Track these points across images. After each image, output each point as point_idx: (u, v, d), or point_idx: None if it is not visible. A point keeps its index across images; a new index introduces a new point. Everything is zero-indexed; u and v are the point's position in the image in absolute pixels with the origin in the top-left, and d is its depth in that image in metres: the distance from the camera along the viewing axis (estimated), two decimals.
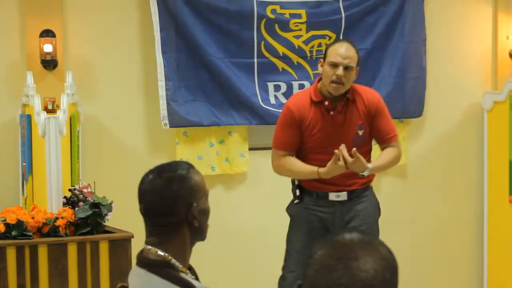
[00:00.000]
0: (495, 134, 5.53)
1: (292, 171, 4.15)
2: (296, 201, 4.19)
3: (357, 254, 1.40)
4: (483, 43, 5.72)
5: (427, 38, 5.52)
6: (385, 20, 5.40)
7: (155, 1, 5.03)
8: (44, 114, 4.18)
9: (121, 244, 4.04)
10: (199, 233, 2.27)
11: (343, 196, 4.13)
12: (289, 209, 4.24)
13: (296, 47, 5.30)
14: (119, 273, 3.96)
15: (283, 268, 4.25)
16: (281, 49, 5.27)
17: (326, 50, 4.12)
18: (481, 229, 5.70)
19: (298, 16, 5.27)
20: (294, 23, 5.27)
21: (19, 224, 3.96)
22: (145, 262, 2.22)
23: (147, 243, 2.25)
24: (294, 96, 4.38)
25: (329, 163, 3.95)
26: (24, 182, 4.61)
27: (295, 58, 5.31)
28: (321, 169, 3.99)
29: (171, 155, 5.17)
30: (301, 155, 4.15)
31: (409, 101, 5.50)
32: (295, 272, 4.15)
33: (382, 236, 1.50)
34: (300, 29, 5.29)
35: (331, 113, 4.07)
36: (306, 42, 5.31)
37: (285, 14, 5.26)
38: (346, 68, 3.99)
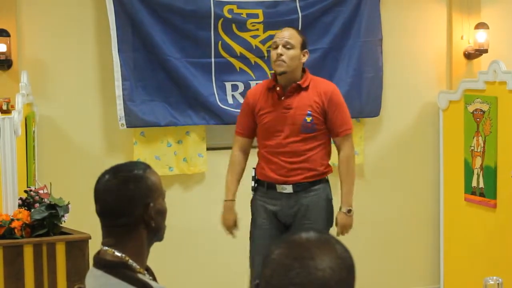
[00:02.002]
0: (450, 133, 5.60)
1: (228, 167, 4.35)
2: (252, 192, 4.29)
3: (313, 253, 1.41)
4: (438, 43, 5.79)
5: (383, 38, 5.56)
6: (341, 20, 5.43)
7: (111, 1, 5.00)
8: None
9: (78, 246, 4.00)
10: (156, 233, 2.26)
11: (288, 188, 4.17)
12: (250, 203, 4.33)
13: (253, 47, 5.31)
14: (76, 274, 3.92)
15: (250, 264, 4.31)
16: (238, 49, 5.28)
17: None
18: (438, 228, 5.76)
19: (255, 16, 5.28)
20: (251, 23, 5.27)
21: None
22: (102, 263, 2.21)
23: (103, 244, 2.23)
24: (256, 85, 4.55)
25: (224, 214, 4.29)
26: None
27: (252, 57, 5.32)
28: (226, 204, 4.28)
29: (128, 156, 5.14)
30: (258, 143, 4.28)
31: (366, 101, 5.54)
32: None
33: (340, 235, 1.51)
34: (257, 29, 5.30)
35: (282, 98, 4.15)
36: (263, 42, 5.32)
37: (242, 14, 5.26)
38: (285, 46, 4.10)
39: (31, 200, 4.10)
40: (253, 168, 4.31)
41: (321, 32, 5.42)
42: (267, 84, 4.27)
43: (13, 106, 4.50)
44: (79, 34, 5.13)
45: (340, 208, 4.27)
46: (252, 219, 4.31)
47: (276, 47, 4.13)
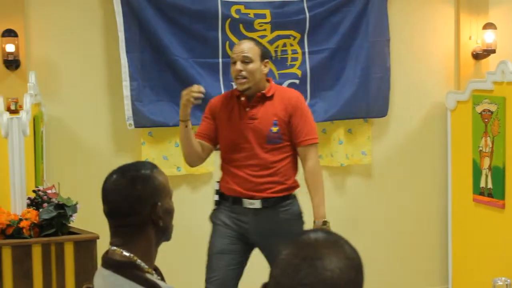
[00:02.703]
0: (458, 133, 5.59)
1: (180, 143, 4.10)
2: (215, 206, 4.08)
3: (322, 254, 1.41)
4: (446, 43, 5.78)
5: (391, 38, 5.56)
6: (349, 20, 5.43)
7: (118, 1, 5.01)
8: (6, 115, 4.13)
9: (86, 245, 4.01)
10: (164, 233, 2.27)
11: (256, 204, 3.96)
12: (210, 216, 4.12)
13: None
14: (85, 274, 3.93)
15: (206, 280, 4.10)
16: None
17: None
18: (446, 228, 5.75)
19: (263, 16, 5.28)
20: (259, 23, 5.28)
21: None
22: (110, 263, 2.21)
23: (112, 244, 2.24)
24: (218, 95, 4.32)
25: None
26: None
27: None
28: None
29: (136, 156, 5.15)
30: (221, 156, 4.09)
31: (374, 101, 5.53)
32: (216, 279, 4.04)
33: (347, 235, 1.51)
34: (265, 29, 5.30)
35: (247, 109, 3.99)
36: (271, 42, 5.32)
37: (249, 14, 5.26)
38: (244, 61, 3.93)
39: (40, 200, 4.11)
40: (217, 181, 4.13)
41: (329, 32, 5.41)
42: (231, 94, 4.11)
43: (21, 106, 4.52)
44: (87, 34, 5.14)
45: (314, 222, 3.96)
46: (211, 239, 4.07)
47: (235, 63, 3.96)
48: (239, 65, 3.93)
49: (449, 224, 5.72)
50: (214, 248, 4.06)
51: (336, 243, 1.45)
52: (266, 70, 4.01)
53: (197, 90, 3.91)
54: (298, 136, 3.99)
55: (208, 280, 4.07)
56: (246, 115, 3.98)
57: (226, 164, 4.05)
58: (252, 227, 3.98)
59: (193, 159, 4.08)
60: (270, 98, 4.00)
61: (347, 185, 5.67)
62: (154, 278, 2.22)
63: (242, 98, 3.99)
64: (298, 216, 4.04)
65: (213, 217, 4.09)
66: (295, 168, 4.07)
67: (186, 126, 3.95)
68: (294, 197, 4.07)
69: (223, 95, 4.21)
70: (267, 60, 4.03)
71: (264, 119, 3.97)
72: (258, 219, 3.98)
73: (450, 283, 5.74)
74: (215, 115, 4.06)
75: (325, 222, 3.94)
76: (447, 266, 5.76)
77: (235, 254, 4.03)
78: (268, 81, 4.06)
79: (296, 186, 4.07)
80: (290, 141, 4.01)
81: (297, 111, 4.00)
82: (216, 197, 4.07)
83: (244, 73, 3.93)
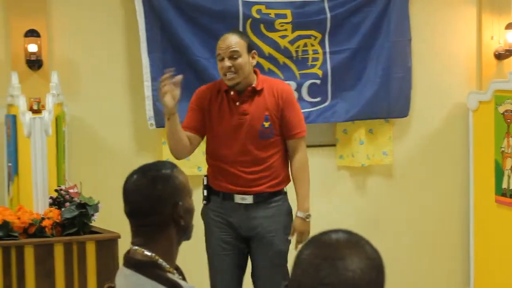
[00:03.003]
0: (480, 134, 5.56)
1: (167, 136, 3.98)
2: (204, 202, 4.01)
3: (344, 254, 1.41)
4: (468, 43, 5.75)
5: (412, 38, 5.54)
6: (370, 20, 5.41)
7: (140, 1, 5.03)
8: (29, 115, 4.16)
9: (107, 245, 4.03)
10: (185, 232, 2.27)
11: (249, 199, 3.93)
12: (201, 213, 4.06)
13: (282, 47, 5.30)
14: (106, 273, 3.94)
15: (212, 285, 4.11)
16: (267, 49, 5.27)
17: None
18: (467, 229, 5.72)
19: (284, 16, 5.28)
20: (280, 23, 5.27)
21: (5, 225, 3.94)
22: (131, 262, 2.22)
23: (133, 243, 2.25)
24: (207, 84, 4.19)
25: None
26: (10, 182, 4.59)
27: (281, 58, 5.32)
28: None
29: (157, 155, 5.16)
30: (208, 151, 4.04)
31: (395, 101, 5.51)
32: (221, 281, 4.05)
33: (368, 235, 1.51)
34: (286, 29, 5.29)
35: (237, 103, 3.93)
36: (292, 42, 5.32)
37: (270, 14, 5.26)
38: (232, 56, 3.88)
39: (62, 199, 4.14)
40: (204, 176, 4.07)
41: (350, 32, 5.40)
42: (217, 86, 4.00)
43: (43, 106, 4.55)
44: (109, 34, 5.17)
45: (297, 214, 3.98)
46: (206, 238, 4.05)
47: (222, 59, 3.88)
48: (227, 62, 3.87)
49: (471, 225, 5.69)
50: (212, 250, 4.05)
51: (357, 243, 1.45)
52: (254, 61, 3.97)
53: (166, 77, 3.75)
54: (290, 129, 3.97)
55: (214, 284, 4.08)
56: (237, 110, 3.93)
57: (214, 160, 3.99)
58: (242, 221, 3.96)
59: (181, 153, 3.99)
60: (260, 91, 3.95)
61: (368, 186, 5.65)
62: (176, 277, 2.23)
63: (232, 93, 3.94)
64: (288, 211, 4.03)
65: (205, 216, 4.04)
66: (286, 162, 4.04)
67: (168, 119, 3.81)
68: (285, 193, 4.04)
69: (210, 86, 4.07)
70: (254, 51, 3.99)
71: (256, 114, 3.92)
72: (248, 214, 3.96)
73: (471, 284, 5.71)
74: (204, 107, 3.98)
75: (308, 216, 3.97)
76: (469, 267, 5.72)
77: (234, 252, 4.02)
78: (255, 72, 4.01)
79: (288, 180, 4.05)
80: (281, 135, 3.97)
81: (289, 105, 3.97)
82: (204, 193, 4.01)
83: (233, 69, 3.87)
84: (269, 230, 3.97)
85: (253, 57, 3.96)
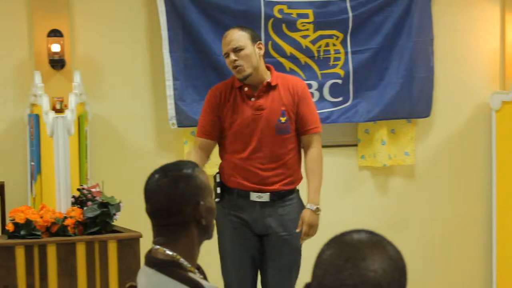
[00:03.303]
0: (503, 134, 5.52)
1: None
2: (217, 199, 3.95)
3: (365, 254, 1.40)
4: (491, 42, 5.71)
5: (435, 38, 5.51)
6: (392, 19, 5.39)
7: (162, 1, 5.04)
8: (52, 114, 4.19)
9: (129, 244, 4.05)
10: (207, 231, 2.28)
11: (265, 197, 3.91)
12: None
13: (304, 47, 5.30)
14: (128, 272, 3.96)
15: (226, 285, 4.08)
16: (288, 49, 5.27)
17: None
18: (490, 230, 5.69)
19: (305, 16, 5.27)
20: (301, 23, 5.27)
21: (28, 224, 3.97)
22: (153, 261, 2.23)
23: (155, 242, 2.25)
24: (218, 83, 4.22)
25: None
26: (33, 181, 4.62)
27: (302, 58, 5.31)
28: None
29: (179, 155, 5.17)
30: (223, 148, 4.03)
31: (417, 101, 5.49)
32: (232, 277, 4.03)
33: (390, 236, 1.50)
34: (308, 29, 5.29)
35: (252, 99, 3.94)
36: (314, 42, 5.31)
37: (292, 14, 5.26)
38: (235, 50, 3.89)
39: (84, 198, 4.16)
40: (217, 173, 4.04)
41: (372, 32, 5.38)
42: (230, 84, 4.01)
43: (66, 106, 4.57)
44: (131, 34, 5.19)
45: (306, 205, 3.94)
46: (219, 237, 4.01)
47: (228, 56, 3.92)
48: (232, 56, 3.90)
49: (493, 226, 5.65)
50: (226, 251, 4.03)
51: (379, 243, 1.44)
52: (261, 51, 3.97)
53: None
54: (305, 124, 3.96)
55: (229, 284, 4.06)
56: (253, 106, 3.93)
57: (230, 155, 3.98)
58: (257, 219, 3.94)
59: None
60: (275, 87, 3.96)
61: (390, 186, 5.63)
62: (197, 277, 2.23)
63: (246, 89, 3.95)
64: (301, 209, 3.99)
65: (217, 214, 3.87)
66: (300, 160, 4.04)
67: None
68: (298, 191, 4.03)
69: (223, 85, 4.08)
70: (259, 41, 4.00)
71: (272, 109, 3.92)
72: (263, 212, 3.94)
73: (494, 285, 5.67)
74: (217, 108, 3.99)
75: (317, 209, 3.93)
76: (491, 268, 5.69)
77: (248, 250, 3.99)
78: (269, 68, 4.02)
79: (301, 178, 4.03)
80: (296, 132, 3.97)
81: (304, 101, 3.97)
82: (218, 190, 3.98)
83: (239, 61, 3.89)
84: (284, 228, 3.96)
85: (259, 48, 3.96)
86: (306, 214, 3.93)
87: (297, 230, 3.94)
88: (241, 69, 3.89)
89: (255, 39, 3.97)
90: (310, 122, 3.98)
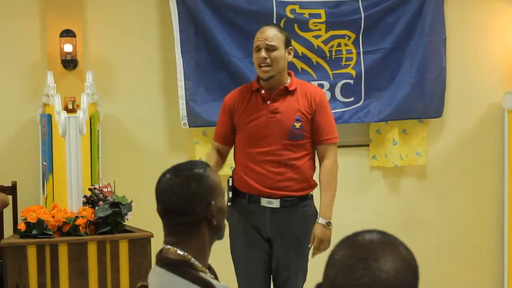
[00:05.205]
0: None
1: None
2: (229, 203, 3.94)
3: (378, 255, 1.40)
4: (504, 42, 5.69)
5: (447, 37, 5.49)
6: (404, 19, 5.38)
7: (174, 1, 5.05)
8: (64, 114, 4.20)
9: (140, 244, 4.05)
10: (218, 231, 2.28)
11: (275, 203, 3.88)
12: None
13: (316, 47, 5.29)
14: (139, 272, 3.97)
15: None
16: (300, 49, 5.27)
17: None
18: (502, 230, 5.67)
19: (318, 16, 5.27)
20: (314, 23, 5.26)
21: (40, 223, 3.98)
22: (164, 261, 2.23)
23: (166, 242, 2.25)
24: (234, 89, 4.18)
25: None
26: (45, 181, 4.64)
27: (314, 58, 5.31)
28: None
29: (190, 155, 5.18)
30: (237, 151, 4.03)
31: (429, 101, 5.47)
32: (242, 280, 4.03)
33: (401, 236, 1.49)
34: (320, 29, 5.28)
35: (268, 102, 3.91)
36: (325, 42, 5.30)
37: (304, 14, 5.25)
38: (268, 48, 3.86)
39: (95, 198, 4.17)
40: (230, 177, 4.03)
41: (384, 32, 5.37)
42: (248, 87, 4.00)
43: (78, 105, 4.59)
44: (143, 34, 5.20)
45: (318, 220, 3.90)
46: (231, 241, 4.01)
47: (259, 50, 3.87)
48: (263, 53, 3.86)
49: (505, 226, 5.63)
50: (237, 253, 4.02)
51: (392, 244, 1.43)
52: (290, 57, 3.95)
53: None
54: (320, 134, 3.92)
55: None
56: (268, 108, 3.90)
57: (243, 158, 3.96)
58: (268, 226, 3.92)
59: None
60: (293, 92, 3.93)
61: (401, 186, 5.62)
62: (208, 276, 2.23)
63: (263, 91, 3.93)
64: (314, 217, 3.95)
65: (230, 218, 3.87)
66: (313, 167, 4.00)
67: None
68: (311, 197, 3.99)
69: (240, 89, 4.06)
70: (291, 47, 3.98)
71: (287, 114, 3.88)
72: (274, 219, 3.91)
73: (505, 286, 5.65)
74: (232, 112, 3.99)
75: (329, 223, 3.89)
76: (503, 269, 5.67)
77: (260, 255, 3.97)
78: (289, 74, 4.00)
79: (314, 185, 3.98)
80: (311, 139, 3.93)
81: (321, 109, 3.92)
82: (230, 195, 3.96)
83: (268, 60, 3.86)
84: (294, 234, 3.92)
85: (289, 53, 3.94)
86: (317, 229, 3.90)
87: (310, 246, 3.93)
88: (267, 70, 3.87)
89: (288, 43, 3.95)
90: (326, 132, 3.93)
